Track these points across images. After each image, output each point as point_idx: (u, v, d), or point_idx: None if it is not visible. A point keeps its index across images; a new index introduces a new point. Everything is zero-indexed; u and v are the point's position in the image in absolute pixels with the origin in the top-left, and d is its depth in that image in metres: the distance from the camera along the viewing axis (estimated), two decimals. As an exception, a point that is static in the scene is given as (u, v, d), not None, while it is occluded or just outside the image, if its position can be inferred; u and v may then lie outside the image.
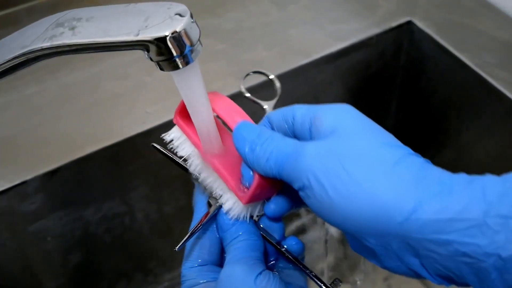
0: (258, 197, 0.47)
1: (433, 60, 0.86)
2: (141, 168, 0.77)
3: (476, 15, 0.87)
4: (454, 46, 0.82)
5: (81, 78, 0.79)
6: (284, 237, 0.50)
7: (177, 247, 0.47)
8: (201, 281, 0.48)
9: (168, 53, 0.39)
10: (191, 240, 0.50)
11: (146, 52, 0.40)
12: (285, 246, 0.50)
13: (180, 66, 0.40)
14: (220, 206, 0.50)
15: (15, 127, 0.73)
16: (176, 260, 0.92)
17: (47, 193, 0.71)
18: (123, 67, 0.80)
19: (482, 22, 0.86)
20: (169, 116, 0.73)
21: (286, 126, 0.46)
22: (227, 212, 0.49)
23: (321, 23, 0.87)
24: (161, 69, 0.41)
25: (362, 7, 0.89)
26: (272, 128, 0.47)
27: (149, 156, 0.76)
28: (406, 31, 0.87)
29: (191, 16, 0.39)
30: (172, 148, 0.51)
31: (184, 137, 0.50)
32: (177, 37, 0.39)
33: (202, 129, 0.47)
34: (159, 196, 0.82)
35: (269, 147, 0.43)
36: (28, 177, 0.68)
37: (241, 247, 0.47)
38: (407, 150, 0.40)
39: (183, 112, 0.49)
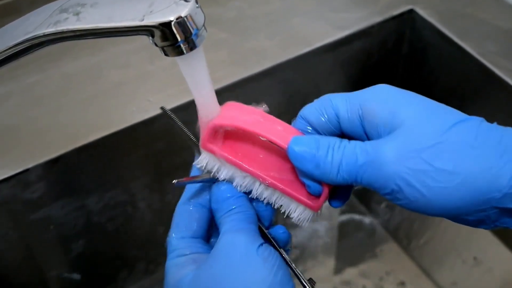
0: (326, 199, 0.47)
1: (435, 49, 0.86)
2: (144, 156, 0.77)
3: (479, 4, 0.87)
4: (456, 35, 0.82)
5: (83, 67, 0.79)
6: (272, 225, 0.49)
7: (177, 181, 0.46)
8: (190, 252, 0.46)
9: (173, 38, 0.39)
10: (181, 211, 0.49)
11: (150, 38, 0.40)
12: (271, 234, 0.48)
13: (185, 51, 0.40)
14: (216, 179, 0.48)
15: (17, 115, 0.73)
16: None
17: (49, 181, 0.71)
18: (125, 56, 0.80)
19: (484, 11, 0.86)
20: (171, 104, 0.73)
21: (330, 125, 0.45)
22: (297, 221, 0.47)
23: (322, 12, 0.86)
24: (166, 54, 0.41)
25: (364, -4, 0.89)
26: (314, 128, 0.46)
27: (152, 145, 0.76)
28: (408, 20, 0.87)
29: (196, 1, 0.39)
30: (208, 172, 0.48)
31: (218, 161, 0.48)
32: (182, 22, 0.39)
33: (206, 116, 0.46)
34: (162, 185, 0.82)
35: (335, 159, 0.42)
36: (30, 165, 0.68)
37: (238, 218, 0.46)
38: (473, 119, 0.41)
39: (213, 137, 0.47)
